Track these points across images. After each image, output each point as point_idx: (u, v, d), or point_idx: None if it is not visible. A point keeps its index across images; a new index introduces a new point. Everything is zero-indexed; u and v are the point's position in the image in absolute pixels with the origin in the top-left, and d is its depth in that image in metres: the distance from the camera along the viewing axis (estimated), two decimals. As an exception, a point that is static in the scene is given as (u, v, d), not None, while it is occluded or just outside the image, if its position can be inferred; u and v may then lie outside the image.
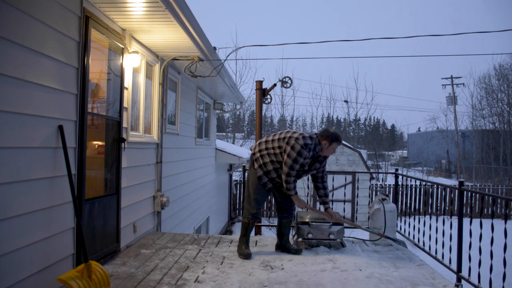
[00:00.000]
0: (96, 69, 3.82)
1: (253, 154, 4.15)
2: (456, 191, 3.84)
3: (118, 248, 4.13)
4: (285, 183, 3.90)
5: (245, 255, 4.00)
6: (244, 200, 4.26)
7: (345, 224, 4.55)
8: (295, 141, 3.81)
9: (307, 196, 9.50)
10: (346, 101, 30.04)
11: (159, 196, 5.26)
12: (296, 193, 3.96)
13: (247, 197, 4.18)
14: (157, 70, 5.32)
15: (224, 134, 25.23)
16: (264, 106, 9.69)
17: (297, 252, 4.18)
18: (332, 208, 4.25)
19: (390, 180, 21.44)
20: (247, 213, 4.14)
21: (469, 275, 3.46)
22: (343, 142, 14.39)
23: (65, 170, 2.98)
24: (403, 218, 5.40)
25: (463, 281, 3.56)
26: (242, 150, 13.35)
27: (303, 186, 11.39)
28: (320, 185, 4.15)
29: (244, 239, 4.13)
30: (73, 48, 3.17)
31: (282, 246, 4.29)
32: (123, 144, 4.16)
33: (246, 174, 4.40)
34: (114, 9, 3.66)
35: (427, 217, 4.49)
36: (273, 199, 4.34)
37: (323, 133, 3.94)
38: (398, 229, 5.18)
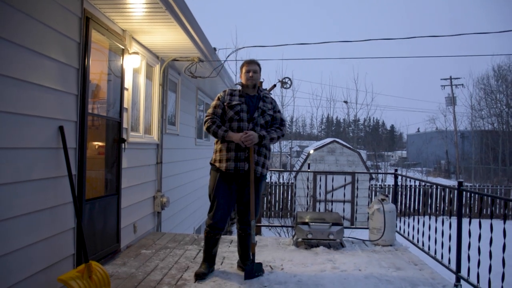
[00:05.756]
0: (97, 70, 3.83)
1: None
2: (455, 191, 3.84)
3: (118, 248, 4.14)
4: (206, 130, 3.53)
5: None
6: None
7: (345, 224, 4.55)
8: None
9: (307, 196, 9.49)
10: (346, 102, 30.01)
11: (159, 196, 5.26)
12: (225, 130, 3.43)
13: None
14: (157, 71, 5.33)
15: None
16: (264, 106, 9.66)
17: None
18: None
19: (390, 180, 21.47)
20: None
21: (468, 275, 3.48)
22: (343, 142, 14.41)
23: (66, 171, 2.98)
24: (402, 219, 5.40)
25: (462, 281, 3.57)
26: (242, 150, 13.31)
27: (303, 187, 11.39)
28: (273, 127, 3.67)
29: None
30: (73, 49, 3.18)
31: (240, 264, 3.75)
32: (123, 144, 4.17)
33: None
34: (114, 10, 3.67)
35: (427, 217, 4.50)
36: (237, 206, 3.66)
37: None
38: (398, 229, 5.19)
